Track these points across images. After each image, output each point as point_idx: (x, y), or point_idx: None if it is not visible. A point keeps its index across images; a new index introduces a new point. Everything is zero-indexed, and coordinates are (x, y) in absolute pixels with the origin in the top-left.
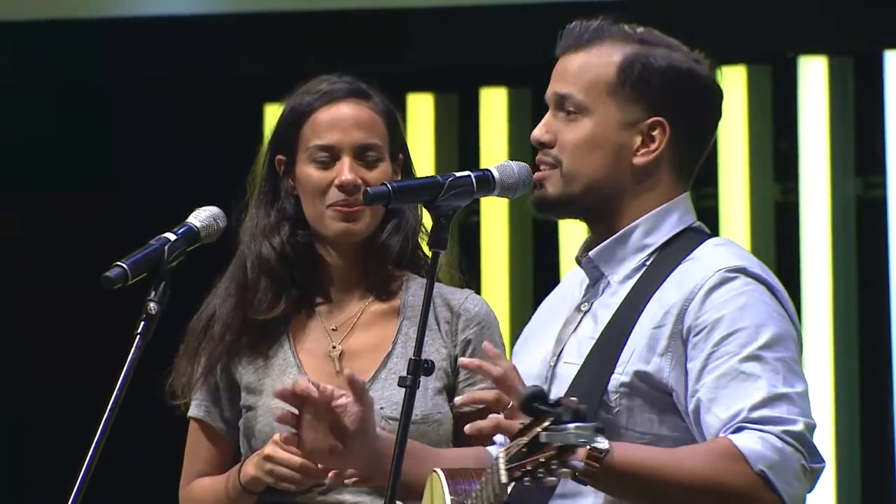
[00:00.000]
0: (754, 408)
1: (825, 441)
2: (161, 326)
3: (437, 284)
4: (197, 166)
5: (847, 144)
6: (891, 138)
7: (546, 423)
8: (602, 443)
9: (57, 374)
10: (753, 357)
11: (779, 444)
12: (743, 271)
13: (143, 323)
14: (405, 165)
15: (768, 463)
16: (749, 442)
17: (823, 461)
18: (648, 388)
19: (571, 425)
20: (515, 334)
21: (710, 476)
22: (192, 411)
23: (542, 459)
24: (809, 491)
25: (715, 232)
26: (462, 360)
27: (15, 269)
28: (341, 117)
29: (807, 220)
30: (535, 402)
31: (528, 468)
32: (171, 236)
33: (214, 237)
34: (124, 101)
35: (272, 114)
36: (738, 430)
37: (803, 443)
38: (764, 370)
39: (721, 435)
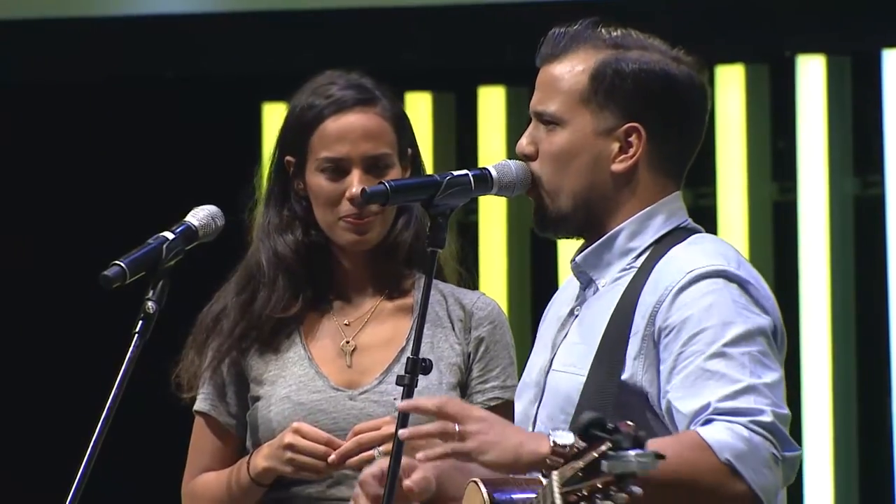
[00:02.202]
0: (720, 401)
1: (822, 439)
2: (164, 321)
3: (449, 285)
4: (195, 165)
5: (845, 143)
6: (888, 137)
7: (603, 449)
8: (564, 437)
9: (56, 373)
10: (718, 354)
11: (746, 433)
12: (713, 271)
13: (141, 322)
14: (415, 162)
15: (735, 452)
16: (716, 433)
17: (797, 449)
18: (626, 393)
19: (632, 452)
20: (514, 333)
21: (677, 468)
22: (199, 406)
23: (600, 485)
24: (788, 481)
25: (713, 231)
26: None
27: (15, 268)
28: (350, 129)
29: (805, 219)
30: (594, 429)
31: (585, 493)
32: (170, 235)
33: (213, 236)
34: (122, 100)
35: (270, 113)
36: (707, 423)
37: (773, 432)
38: (729, 366)
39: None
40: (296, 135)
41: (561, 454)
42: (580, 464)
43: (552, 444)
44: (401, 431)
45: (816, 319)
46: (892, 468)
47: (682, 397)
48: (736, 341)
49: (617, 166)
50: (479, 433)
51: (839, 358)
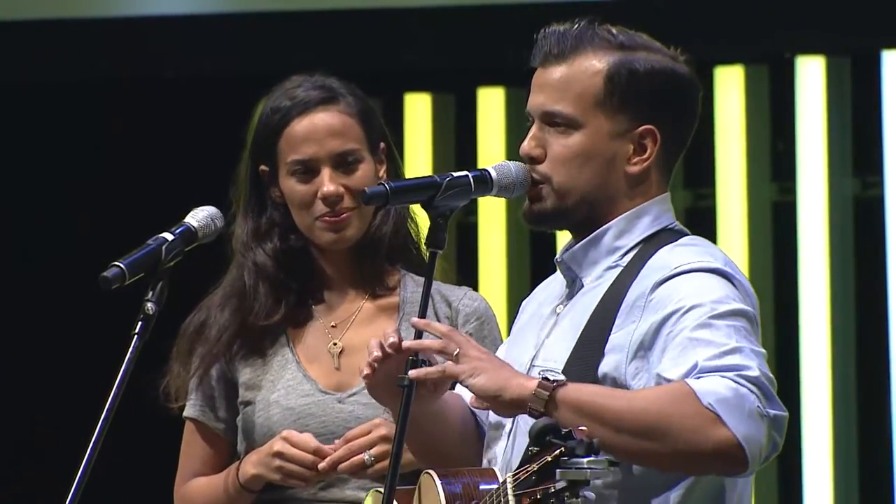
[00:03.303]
0: (707, 360)
1: (822, 439)
2: (160, 326)
3: (434, 282)
4: (195, 165)
5: (844, 144)
6: (888, 138)
7: (556, 453)
8: (557, 375)
9: (55, 374)
10: (704, 325)
11: (732, 384)
12: (700, 267)
13: (140, 323)
14: (390, 156)
15: (718, 397)
16: (703, 382)
17: (784, 410)
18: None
19: (585, 460)
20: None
21: (660, 412)
22: (188, 412)
23: (553, 489)
24: (776, 446)
25: (712, 231)
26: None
27: (14, 268)
28: (315, 129)
29: (804, 219)
30: (548, 436)
31: (538, 496)
32: (169, 236)
33: (212, 237)
34: (123, 101)
35: None
36: (696, 379)
37: (759, 386)
38: (715, 334)
39: None
40: (264, 142)
41: (546, 387)
42: (534, 467)
43: (541, 380)
44: (405, 343)
45: (816, 320)
46: (892, 468)
47: (670, 367)
48: (722, 315)
49: (632, 168)
50: (476, 359)
51: (839, 358)
